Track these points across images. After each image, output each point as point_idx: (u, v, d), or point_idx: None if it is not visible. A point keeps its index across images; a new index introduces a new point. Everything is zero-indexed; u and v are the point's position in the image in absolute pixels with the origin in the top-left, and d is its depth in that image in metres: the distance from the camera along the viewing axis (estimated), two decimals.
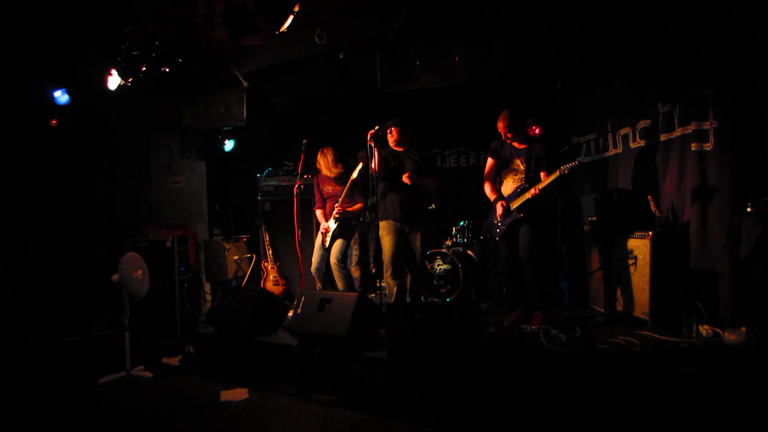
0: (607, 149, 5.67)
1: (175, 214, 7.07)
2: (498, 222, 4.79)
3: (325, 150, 5.68)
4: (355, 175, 5.12)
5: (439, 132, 7.50)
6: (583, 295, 5.36)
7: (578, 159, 4.51)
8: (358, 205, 5.48)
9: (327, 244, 5.48)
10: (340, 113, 7.26)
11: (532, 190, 4.49)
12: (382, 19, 4.90)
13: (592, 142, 5.99)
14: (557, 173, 4.40)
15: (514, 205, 4.65)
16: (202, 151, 7.32)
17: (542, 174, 4.61)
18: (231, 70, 5.85)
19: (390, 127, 4.80)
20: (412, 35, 4.87)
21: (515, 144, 4.76)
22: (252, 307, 4.41)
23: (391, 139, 4.82)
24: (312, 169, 6.08)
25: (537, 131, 6.29)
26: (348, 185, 5.27)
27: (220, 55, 5.71)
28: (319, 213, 5.73)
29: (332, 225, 5.44)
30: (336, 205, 5.40)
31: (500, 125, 4.68)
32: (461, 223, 6.46)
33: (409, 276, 4.84)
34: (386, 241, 4.70)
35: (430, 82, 4.93)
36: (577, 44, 5.50)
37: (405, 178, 4.63)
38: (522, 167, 4.70)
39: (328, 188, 5.66)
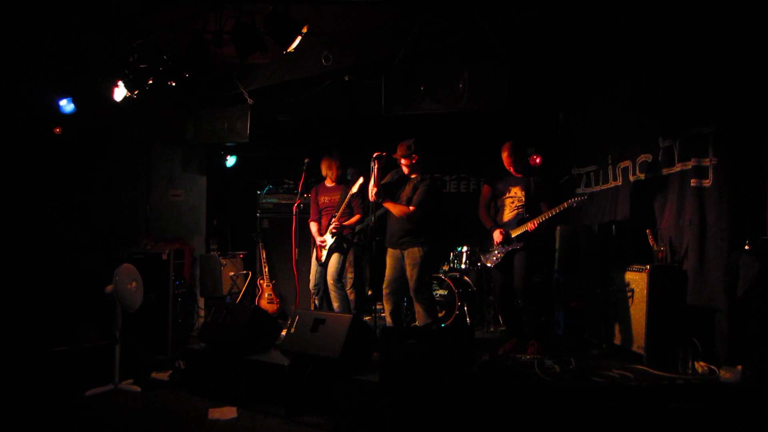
0: (607, 181, 5.70)
1: (172, 226, 7.06)
2: (495, 250, 4.78)
3: (333, 158, 5.65)
4: (355, 189, 5.12)
5: (440, 157, 7.54)
6: (579, 326, 5.33)
7: (584, 194, 4.47)
8: (355, 218, 5.46)
9: (323, 258, 5.45)
10: (343, 134, 7.31)
11: (536, 220, 4.50)
12: (389, 44, 4.95)
13: (592, 173, 6.03)
14: (565, 205, 4.43)
15: (514, 234, 4.66)
16: (203, 166, 7.35)
17: (542, 204, 4.64)
18: (237, 86, 5.89)
19: (399, 156, 4.63)
20: (417, 61, 4.93)
21: (513, 173, 4.79)
22: (245, 325, 4.37)
23: (403, 165, 4.69)
24: (312, 186, 6.05)
25: (538, 161, 6.33)
26: (347, 199, 5.27)
27: (226, 71, 5.77)
28: (313, 227, 5.67)
29: (329, 240, 5.42)
30: (333, 219, 5.38)
31: (504, 155, 4.75)
32: (459, 249, 6.45)
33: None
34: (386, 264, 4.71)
35: (434, 107, 4.97)
36: (580, 76, 5.58)
37: (371, 193, 4.53)
38: (520, 195, 4.72)
39: (325, 199, 5.62)
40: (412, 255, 4.53)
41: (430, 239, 4.57)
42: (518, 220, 4.68)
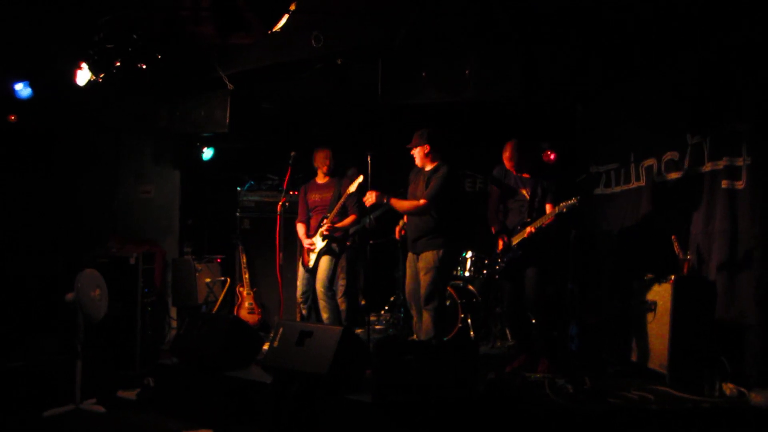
0: (629, 181, 5.74)
1: (142, 226, 7.08)
2: (498, 258, 4.84)
3: (326, 150, 5.67)
4: (353, 188, 5.14)
5: (444, 152, 7.56)
6: (595, 342, 5.38)
7: (577, 197, 4.49)
8: (349, 219, 5.48)
9: (311, 263, 5.46)
10: (334, 124, 7.33)
11: (532, 226, 4.57)
12: (387, 25, 4.97)
13: (612, 172, 6.07)
14: (555, 210, 4.50)
15: (515, 241, 4.72)
16: (177, 158, 7.35)
17: (548, 206, 4.70)
18: (215, 70, 5.91)
19: (411, 147, 4.77)
20: (419, 44, 4.95)
21: (521, 174, 4.84)
22: (222, 338, 4.41)
23: (416, 157, 4.81)
24: (300, 183, 6.08)
25: (552, 157, 6.38)
26: (342, 199, 5.29)
27: (204, 53, 5.78)
28: (300, 229, 5.68)
29: (318, 242, 5.43)
30: (325, 221, 5.39)
31: (505, 156, 4.81)
32: (463, 254, 6.49)
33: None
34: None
35: (437, 96, 5.01)
36: (602, 65, 5.61)
37: (372, 196, 4.59)
38: (526, 198, 4.77)
39: (315, 197, 5.63)
40: (426, 259, 4.61)
41: (448, 239, 4.62)
42: (521, 226, 4.73)
